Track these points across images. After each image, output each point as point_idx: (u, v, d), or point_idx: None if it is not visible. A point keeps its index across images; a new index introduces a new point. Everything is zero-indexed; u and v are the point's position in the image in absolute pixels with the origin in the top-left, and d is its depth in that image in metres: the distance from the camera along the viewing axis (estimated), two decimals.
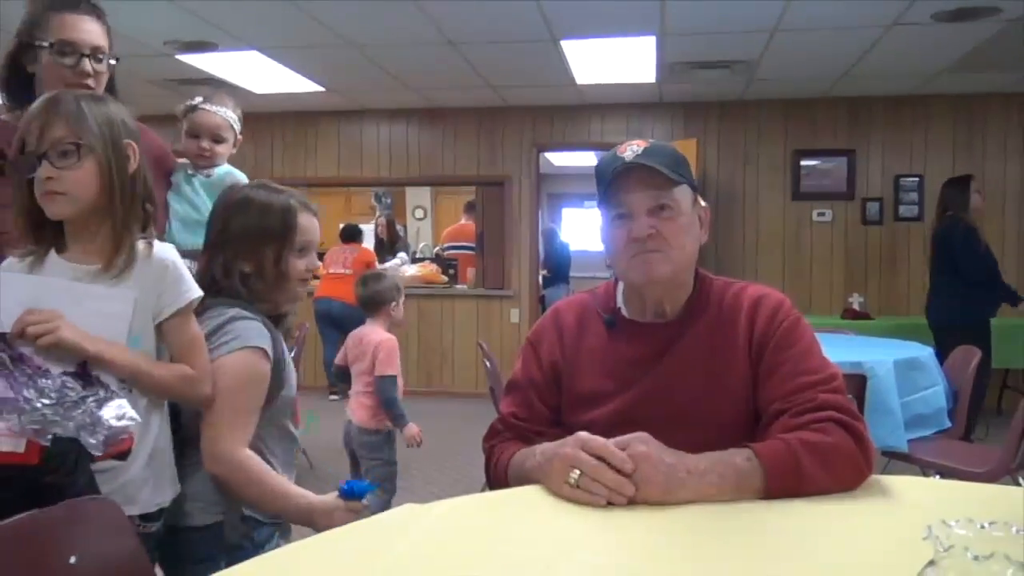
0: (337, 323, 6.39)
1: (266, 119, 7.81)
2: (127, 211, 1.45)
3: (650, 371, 1.44)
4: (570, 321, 1.55)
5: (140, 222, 1.48)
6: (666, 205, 1.41)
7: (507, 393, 1.57)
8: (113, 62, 1.80)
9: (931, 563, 0.70)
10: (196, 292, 1.52)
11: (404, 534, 1.07)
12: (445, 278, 8.11)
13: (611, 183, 1.41)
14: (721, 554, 1.01)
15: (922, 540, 0.70)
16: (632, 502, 1.16)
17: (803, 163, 7.09)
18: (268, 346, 1.60)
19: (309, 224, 1.71)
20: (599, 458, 1.18)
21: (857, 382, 2.65)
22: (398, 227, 10.16)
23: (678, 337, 1.45)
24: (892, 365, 3.08)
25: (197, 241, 1.84)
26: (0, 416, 1.23)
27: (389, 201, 11.18)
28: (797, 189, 7.10)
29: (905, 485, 1.28)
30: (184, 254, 1.58)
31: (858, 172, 7.03)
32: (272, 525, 1.65)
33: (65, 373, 1.35)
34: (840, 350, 3.49)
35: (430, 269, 8.23)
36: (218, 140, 2.14)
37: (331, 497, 1.53)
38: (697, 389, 1.41)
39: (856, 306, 6.58)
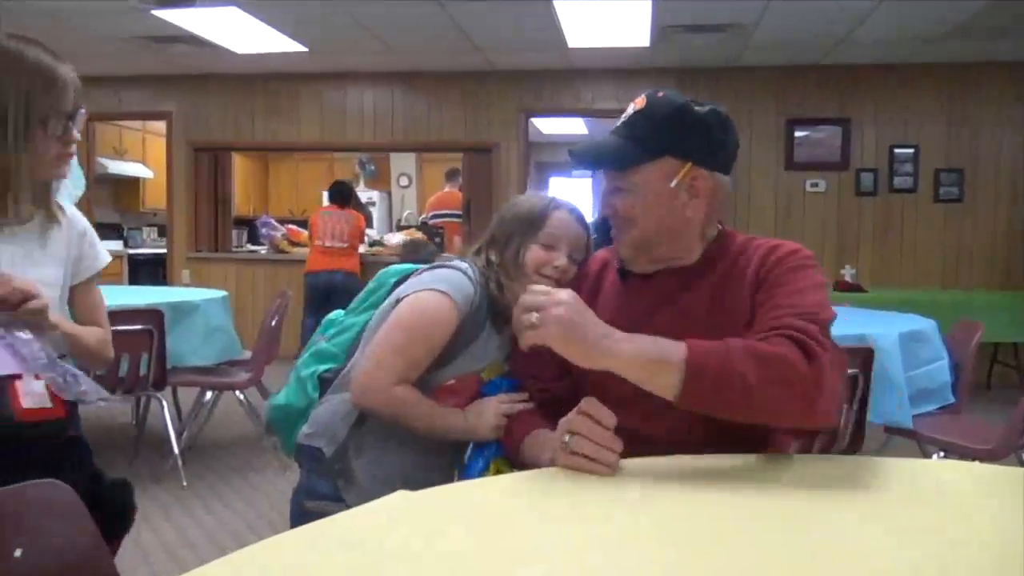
0: (338, 293, 6.22)
1: (248, 81, 7.58)
2: None
3: (655, 320, 1.37)
4: (592, 270, 1.55)
5: None
6: (617, 187, 1.41)
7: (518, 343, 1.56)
8: None
9: None
10: (107, 258, 1.57)
11: (397, 523, 0.98)
12: (432, 247, 7.96)
13: (576, 166, 1.49)
14: (726, 553, 0.89)
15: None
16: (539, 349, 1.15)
17: (796, 132, 6.97)
18: (459, 295, 1.55)
19: (562, 220, 1.65)
20: (588, 416, 1.15)
21: (864, 355, 2.54)
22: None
23: (682, 288, 1.41)
24: (897, 338, 2.98)
25: None
26: (32, 375, 1.30)
27: (373, 168, 10.97)
28: (790, 159, 6.98)
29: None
30: None
31: (852, 142, 6.91)
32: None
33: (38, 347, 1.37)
34: (842, 323, 3.38)
35: (415, 237, 8.06)
36: None
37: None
38: (699, 336, 1.31)
39: (848, 278, 6.51)
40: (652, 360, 1.13)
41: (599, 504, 1.04)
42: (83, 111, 1.45)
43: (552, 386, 1.49)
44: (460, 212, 7.92)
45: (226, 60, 6.92)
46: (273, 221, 8.25)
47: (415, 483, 1.59)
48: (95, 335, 1.52)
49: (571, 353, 1.16)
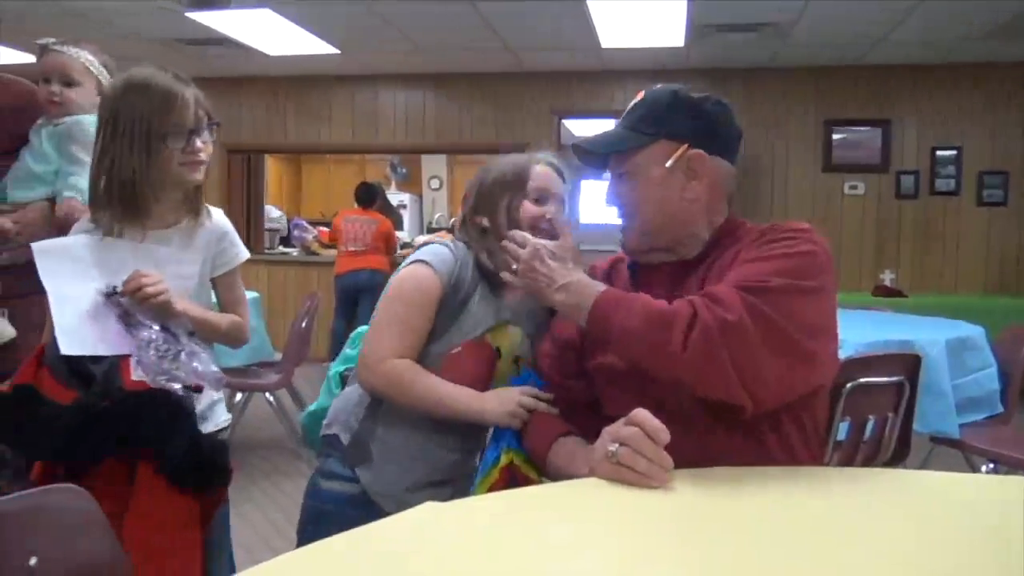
0: (364, 292, 6.27)
1: (280, 83, 7.62)
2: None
3: None
4: (603, 268, 1.56)
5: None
6: (619, 174, 1.43)
7: (543, 337, 1.58)
8: None
9: None
10: (245, 254, 1.79)
11: (425, 535, 0.94)
12: None
13: (579, 157, 1.50)
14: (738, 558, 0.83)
15: None
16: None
17: (835, 134, 6.83)
18: (438, 263, 1.58)
19: (544, 173, 1.70)
20: (640, 428, 1.08)
21: (911, 362, 2.44)
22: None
23: (691, 274, 1.39)
24: (944, 345, 2.87)
25: (28, 195, 1.77)
26: (143, 358, 1.54)
27: (404, 171, 10.97)
28: (828, 160, 6.84)
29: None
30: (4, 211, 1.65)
31: (892, 143, 6.75)
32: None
33: (159, 329, 1.58)
34: (887, 328, 3.29)
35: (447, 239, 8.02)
36: (70, 83, 1.87)
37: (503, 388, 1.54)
38: None
39: (888, 282, 6.36)
40: (573, 306, 1.29)
41: (636, 517, 0.98)
42: (213, 124, 1.68)
43: (572, 387, 1.47)
44: None
45: (258, 62, 6.95)
46: (305, 223, 8.28)
47: (430, 463, 1.60)
48: (227, 320, 1.75)
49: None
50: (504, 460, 1.47)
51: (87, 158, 1.79)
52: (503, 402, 1.48)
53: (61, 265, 1.59)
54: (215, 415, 1.73)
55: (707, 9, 5.28)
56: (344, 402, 1.65)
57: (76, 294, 1.57)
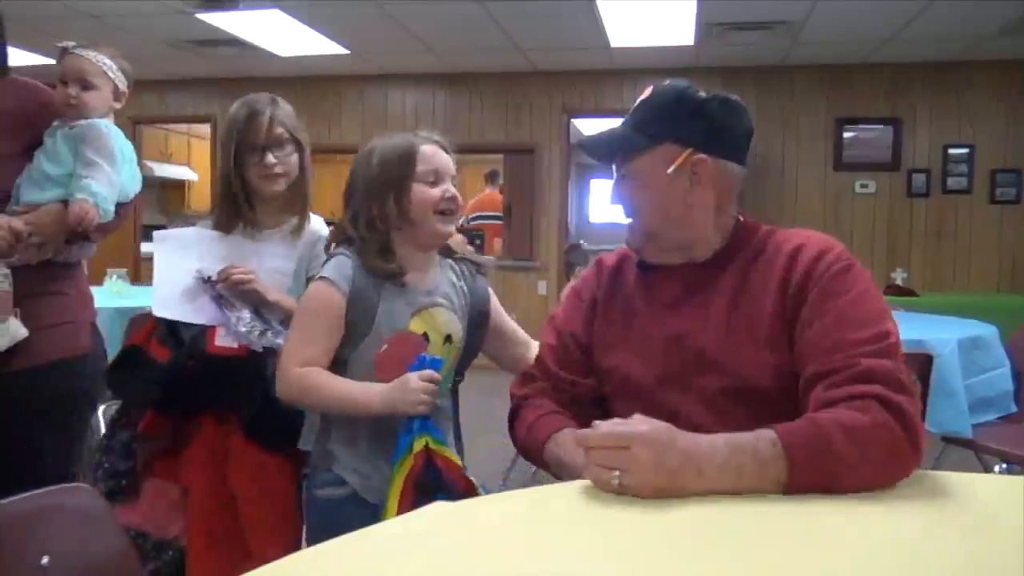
0: None
1: (290, 84, 7.63)
2: (308, 188, 1.97)
3: (675, 314, 1.38)
4: (610, 263, 1.53)
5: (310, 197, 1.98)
6: (623, 176, 1.41)
7: (546, 333, 1.54)
8: None
9: None
10: None
11: (433, 535, 0.94)
12: (471, 249, 7.90)
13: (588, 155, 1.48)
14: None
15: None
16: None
17: (846, 132, 6.80)
18: (336, 276, 1.56)
19: (433, 152, 1.62)
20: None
21: (923, 361, 2.43)
22: None
23: (706, 279, 1.37)
24: (956, 344, 2.85)
25: (41, 197, 1.78)
26: (231, 327, 1.81)
27: None
28: (839, 159, 6.81)
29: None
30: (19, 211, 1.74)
31: (904, 141, 6.72)
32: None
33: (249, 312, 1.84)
34: (899, 327, 3.26)
35: (456, 240, 8.02)
36: (87, 87, 1.88)
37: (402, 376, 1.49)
38: (717, 333, 1.32)
39: (899, 282, 6.33)
40: (753, 482, 1.04)
41: (646, 520, 0.98)
42: (291, 141, 1.90)
43: (576, 381, 1.45)
44: (500, 214, 7.89)
45: (268, 63, 6.98)
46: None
47: (384, 445, 1.55)
48: None
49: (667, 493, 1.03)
50: (418, 446, 1.44)
51: (101, 161, 1.81)
52: (407, 392, 1.45)
53: (172, 250, 1.91)
54: None
55: (717, 8, 5.27)
56: (310, 418, 1.75)
57: (176, 272, 1.86)
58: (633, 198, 1.40)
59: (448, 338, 1.63)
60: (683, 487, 1.02)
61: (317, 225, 1.99)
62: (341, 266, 1.58)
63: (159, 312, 1.84)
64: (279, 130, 1.87)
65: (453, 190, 1.62)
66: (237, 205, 1.90)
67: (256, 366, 1.79)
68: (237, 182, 1.89)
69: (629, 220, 1.44)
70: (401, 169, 1.58)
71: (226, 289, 1.84)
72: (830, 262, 1.27)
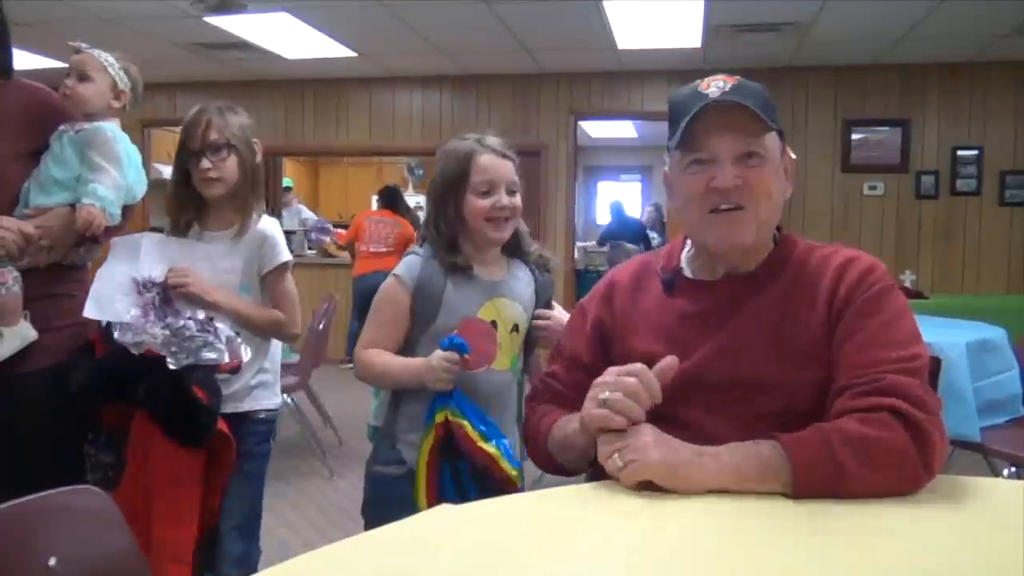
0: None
1: (298, 86, 7.66)
2: (253, 192, 1.99)
3: (713, 331, 1.27)
4: (624, 280, 1.43)
5: (261, 200, 2.02)
6: (755, 153, 1.24)
7: (552, 356, 1.52)
8: None
9: None
10: (287, 256, 2.02)
11: (440, 538, 0.94)
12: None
13: (691, 123, 1.24)
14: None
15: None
16: (641, 488, 1.06)
17: (854, 134, 6.78)
18: (405, 273, 1.76)
19: (488, 163, 1.74)
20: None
21: (932, 365, 2.42)
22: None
23: (748, 295, 1.29)
24: (965, 347, 2.84)
25: (49, 200, 1.81)
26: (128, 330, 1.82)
27: (421, 173, 11.00)
28: (847, 161, 6.79)
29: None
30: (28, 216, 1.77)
31: (912, 143, 6.69)
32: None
33: (191, 318, 1.86)
34: None
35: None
36: (83, 79, 1.89)
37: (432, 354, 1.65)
38: (765, 352, 1.24)
39: (908, 284, 6.30)
40: (757, 477, 1.07)
41: (656, 519, 0.98)
42: (225, 147, 1.92)
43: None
44: None
45: (276, 66, 6.99)
46: (329, 225, 8.27)
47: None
48: (267, 315, 2.00)
49: (671, 483, 1.07)
50: (439, 418, 1.62)
51: (107, 165, 1.83)
52: (430, 369, 1.62)
53: (120, 253, 1.93)
54: (256, 398, 2.00)
55: (724, 9, 5.26)
56: (379, 400, 1.90)
57: (116, 275, 1.88)
58: (763, 179, 1.26)
59: (515, 328, 1.78)
60: (684, 466, 1.07)
61: (264, 224, 2.02)
62: (409, 264, 1.78)
63: (87, 312, 1.86)
64: (214, 136, 1.91)
65: (505, 199, 1.73)
66: (184, 208, 1.97)
67: (163, 360, 1.80)
68: (182, 186, 1.96)
69: (728, 209, 1.26)
70: (457, 181, 1.73)
71: (172, 292, 1.89)
72: (875, 280, 1.24)
